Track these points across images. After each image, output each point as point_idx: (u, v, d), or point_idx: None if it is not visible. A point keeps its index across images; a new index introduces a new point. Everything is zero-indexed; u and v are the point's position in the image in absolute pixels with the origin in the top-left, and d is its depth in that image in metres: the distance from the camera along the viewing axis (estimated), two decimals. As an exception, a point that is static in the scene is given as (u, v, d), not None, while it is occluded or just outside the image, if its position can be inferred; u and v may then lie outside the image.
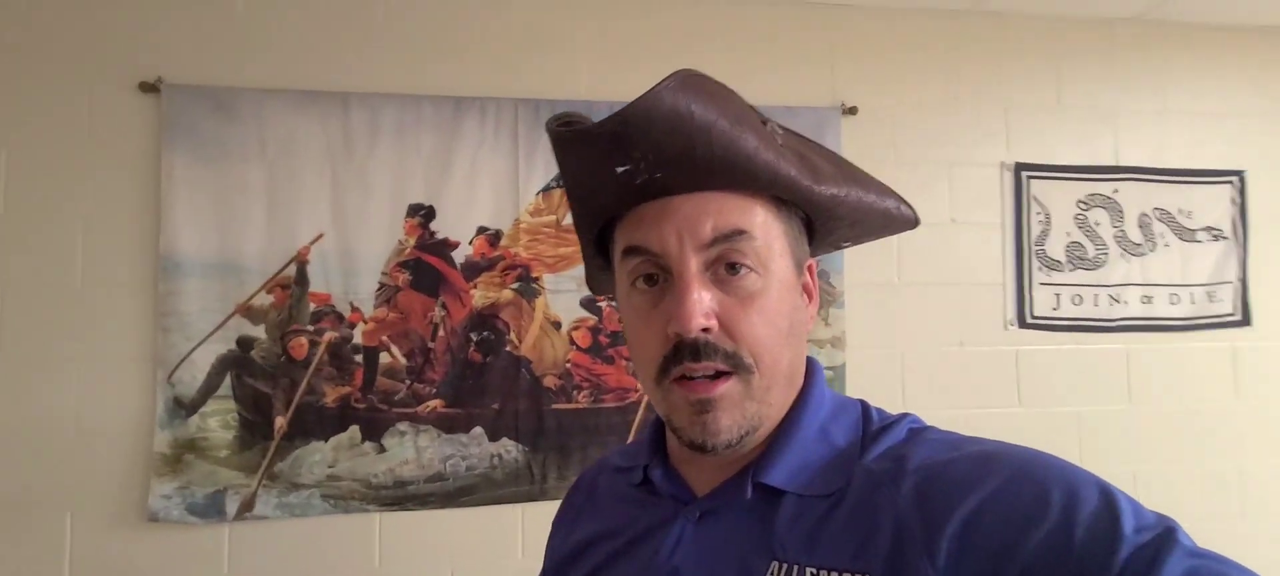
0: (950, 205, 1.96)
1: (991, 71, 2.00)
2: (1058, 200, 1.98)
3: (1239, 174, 2.06)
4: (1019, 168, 1.98)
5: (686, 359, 0.50)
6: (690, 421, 0.52)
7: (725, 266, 0.51)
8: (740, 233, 0.50)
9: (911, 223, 0.61)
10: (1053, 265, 1.98)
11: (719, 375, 0.51)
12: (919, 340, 1.92)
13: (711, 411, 0.51)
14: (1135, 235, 2.01)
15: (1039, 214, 1.98)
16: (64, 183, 1.63)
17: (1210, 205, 2.04)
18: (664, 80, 0.48)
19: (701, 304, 0.49)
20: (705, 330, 0.50)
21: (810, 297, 0.58)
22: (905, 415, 0.57)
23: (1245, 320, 2.04)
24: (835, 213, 0.56)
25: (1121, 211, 2.01)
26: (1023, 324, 1.96)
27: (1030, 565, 0.42)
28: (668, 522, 0.56)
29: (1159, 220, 2.02)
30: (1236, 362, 2.04)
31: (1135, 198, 2.01)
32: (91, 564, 1.59)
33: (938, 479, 0.48)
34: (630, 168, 0.50)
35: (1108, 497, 0.44)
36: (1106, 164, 2.02)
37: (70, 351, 1.61)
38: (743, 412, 0.51)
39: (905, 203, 0.60)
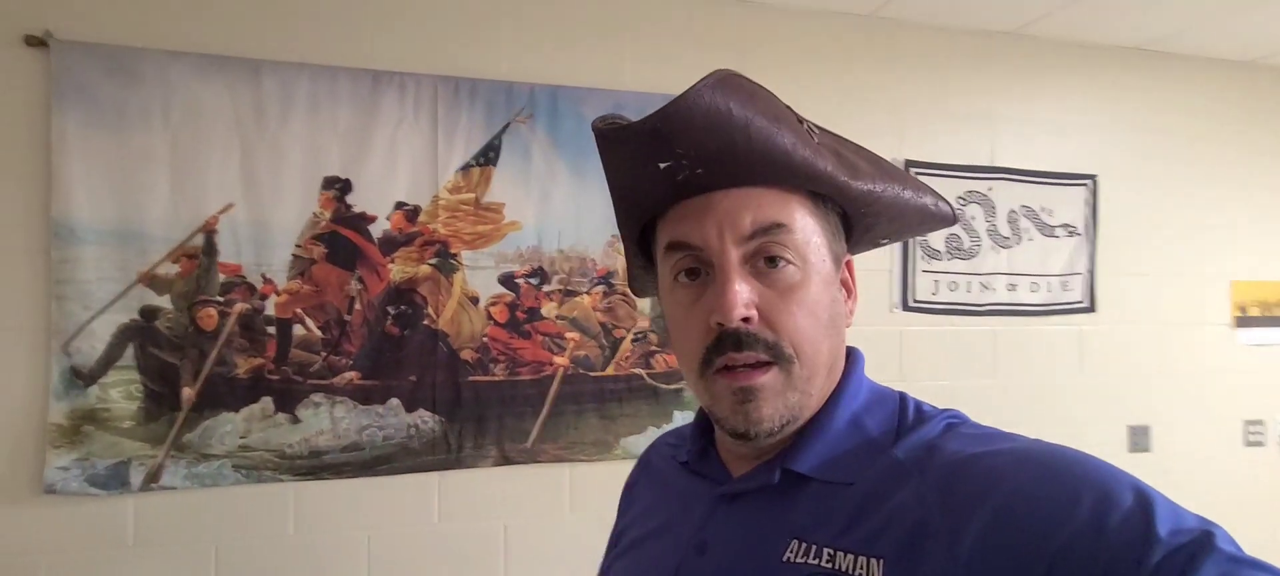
0: (848, 196, 2.12)
1: (886, 76, 2.16)
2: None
3: (1093, 178, 2.33)
4: (908, 165, 2.16)
5: (729, 349, 0.51)
6: (732, 410, 0.53)
7: (765, 259, 0.52)
8: (779, 226, 0.52)
9: (949, 219, 0.62)
10: (933, 254, 2.19)
11: (760, 365, 0.52)
12: (815, 320, 2.08)
13: (753, 400, 0.52)
14: (1005, 229, 2.25)
15: (924, 208, 2.18)
16: (-62, 139, 1.53)
17: (1067, 204, 2.30)
18: (703, 79, 0.49)
19: (742, 294, 0.51)
20: (746, 320, 0.51)
21: (849, 292, 0.60)
22: (947, 410, 0.57)
23: (1091, 307, 2.33)
24: (872, 209, 0.58)
25: (994, 208, 2.24)
26: (906, 307, 2.17)
27: (1057, 564, 0.41)
28: (703, 500, 0.60)
29: (1025, 216, 2.26)
30: (1082, 344, 2.33)
31: (1006, 196, 2.24)
32: (-19, 537, 1.54)
33: (965, 472, 0.48)
34: (672, 164, 0.51)
35: (1143, 499, 0.42)
36: (984, 164, 2.24)
37: (-50, 319, 1.54)
38: (784, 402, 0.53)
39: (944, 199, 0.61)
